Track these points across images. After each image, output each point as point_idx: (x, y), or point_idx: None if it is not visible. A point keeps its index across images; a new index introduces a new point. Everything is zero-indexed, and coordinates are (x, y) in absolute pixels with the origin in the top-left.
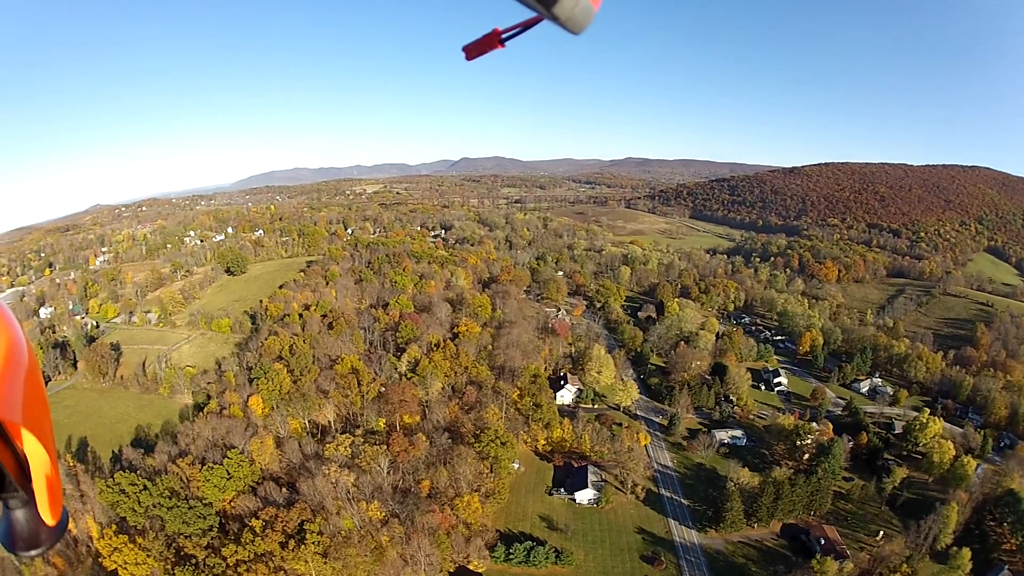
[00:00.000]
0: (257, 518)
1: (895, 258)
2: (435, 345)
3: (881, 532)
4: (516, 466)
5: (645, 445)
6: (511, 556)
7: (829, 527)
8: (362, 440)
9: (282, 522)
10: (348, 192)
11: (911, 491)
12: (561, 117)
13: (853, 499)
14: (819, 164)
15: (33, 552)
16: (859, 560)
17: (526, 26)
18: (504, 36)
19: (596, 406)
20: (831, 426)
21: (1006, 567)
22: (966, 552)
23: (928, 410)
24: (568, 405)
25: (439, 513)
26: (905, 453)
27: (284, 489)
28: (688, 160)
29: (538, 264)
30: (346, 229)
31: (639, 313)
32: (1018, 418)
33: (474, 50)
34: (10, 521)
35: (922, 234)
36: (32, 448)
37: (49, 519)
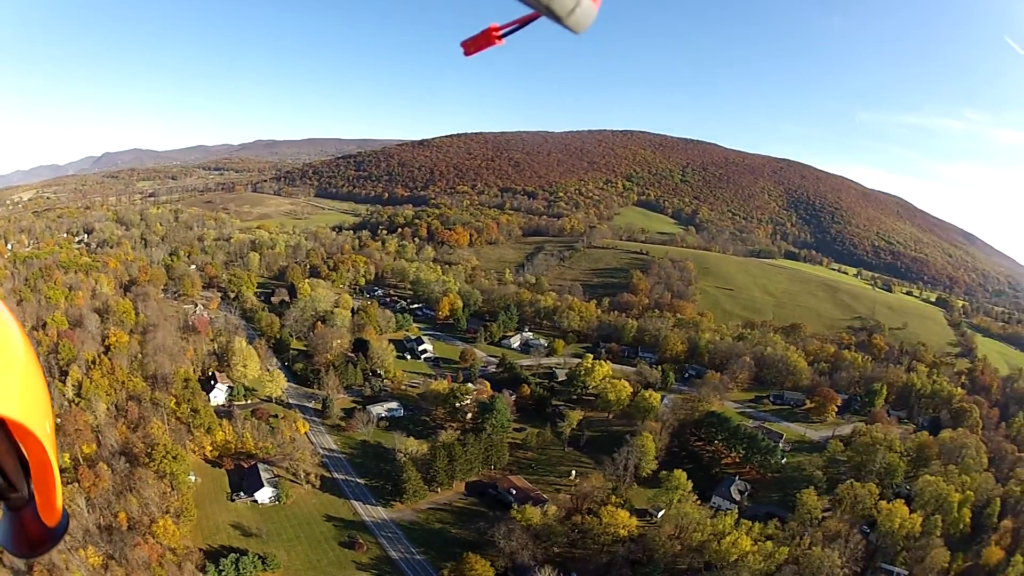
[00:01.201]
0: None
1: (531, 218)
2: (92, 362)
3: (573, 471)
4: (192, 478)
5: (306, 432)
6: (222, 572)
7: (516, 477)
8: None
9: None
10: (8, 202)
11: (593, 430)
12: (192, 100)
13: (532, 447)
14: (450, 135)
15: (34, 554)
16: (560, 501)
17: (523, 23)
18: (502, 32)
19: (249, 401)
20: (488, 384)
21: (736, 478)
22: (680, 473)
23: (591, 356)
24: (223, 405)
25: (144, 544)
26: (575, 397)
27: None
28: (316, 139)
29: (172, 260)
30: (6, 244)
31: (272, 298)
32: (699, 351)
33: (472, 46)
34: (10, 522)
35: (560, 194)
36: (33, 447)
37: (49, 520)
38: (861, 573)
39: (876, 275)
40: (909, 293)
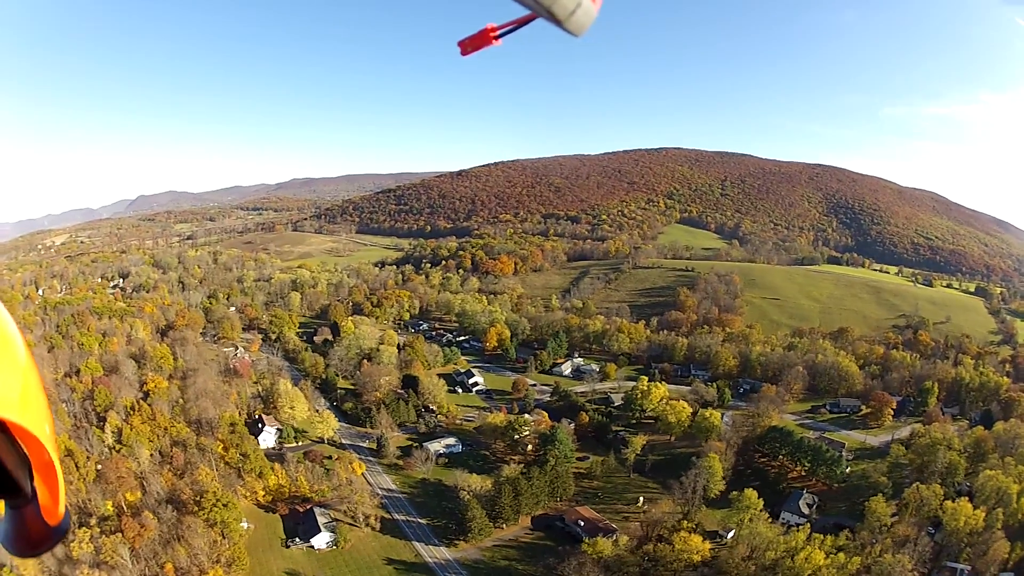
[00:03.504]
0: None
1: (575, 243)
2: (131, 409)
3: (640, 498)
4: (245, 525)
5: (362, 473)
6: None
7: (583, 508)
8: (99, 531)
9: None
10: (39, 246)
11: (656, 454)
12: (227, 141)
13: (597, 476)
14: (488, 164)
15: (35, 553)
16: (631, 530)
17: (520, 23)
18: (499, 32)
19: (300, 443)
20: (546, 414)
21: (804, 491)
22: (750, 492)
23: (645, 377)
24: (273, 448)
25: None
26: (634, 421)
27: None
28: (353, 175)
29: (210, 303)
30: (37, 290)
31: (315, 338)
32: (751, 364)
33: (469, 45)
34: (11, 521)
35: (604, 216)
36: (33, 448)
37: (51, 519)
38: (928, 574)
39: (916, 271)
40: (949, 286)
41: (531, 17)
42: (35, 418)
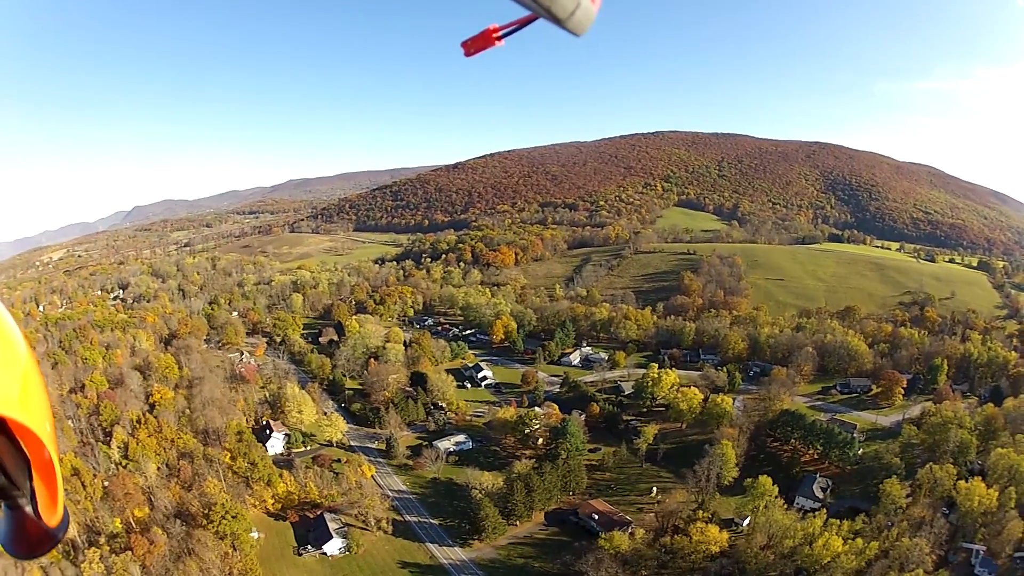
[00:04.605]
0: None
1: (575, 230)
2: (137, 422)
3: (654, 488)
4: (255, 535)
5: (372, 476)
6: None
7: (596, 501)
8: (108, 550)
9: None
10: (37, 263)
11: (668, 442)
12: (220, 146)
13: (609, 467)
14: (485, 156)
15: (33, 555)
16: (646, 522)
17: (522, 24)
18: (501, 33)
19: (309, 448)
20: (556, 406)
21: (817, 475)
22: (765, 479)
23: (655, 365)
24: (281, 454)
25: None
26: (645, 410)
27: None
28: (348, 173)
29: (212, 309)
30: (38, 306)
31: (320, 339)
32: (760, 347)
33: (472, 46)
34: (10, 522)
35: (601, 203)
36: (33, 447)
37: (50, 520)
38: (944, 555)
39: (918, 247)
40: (951, 261)
41: (532, 18)
42: (36, 416)
